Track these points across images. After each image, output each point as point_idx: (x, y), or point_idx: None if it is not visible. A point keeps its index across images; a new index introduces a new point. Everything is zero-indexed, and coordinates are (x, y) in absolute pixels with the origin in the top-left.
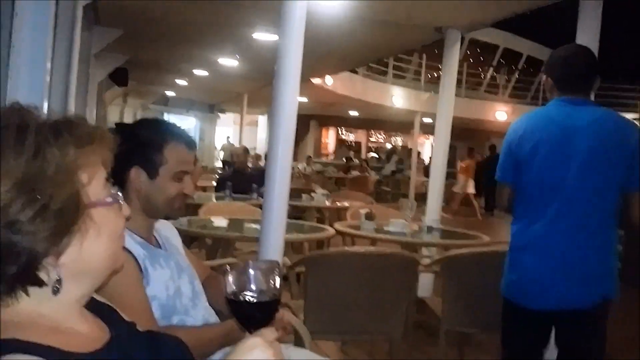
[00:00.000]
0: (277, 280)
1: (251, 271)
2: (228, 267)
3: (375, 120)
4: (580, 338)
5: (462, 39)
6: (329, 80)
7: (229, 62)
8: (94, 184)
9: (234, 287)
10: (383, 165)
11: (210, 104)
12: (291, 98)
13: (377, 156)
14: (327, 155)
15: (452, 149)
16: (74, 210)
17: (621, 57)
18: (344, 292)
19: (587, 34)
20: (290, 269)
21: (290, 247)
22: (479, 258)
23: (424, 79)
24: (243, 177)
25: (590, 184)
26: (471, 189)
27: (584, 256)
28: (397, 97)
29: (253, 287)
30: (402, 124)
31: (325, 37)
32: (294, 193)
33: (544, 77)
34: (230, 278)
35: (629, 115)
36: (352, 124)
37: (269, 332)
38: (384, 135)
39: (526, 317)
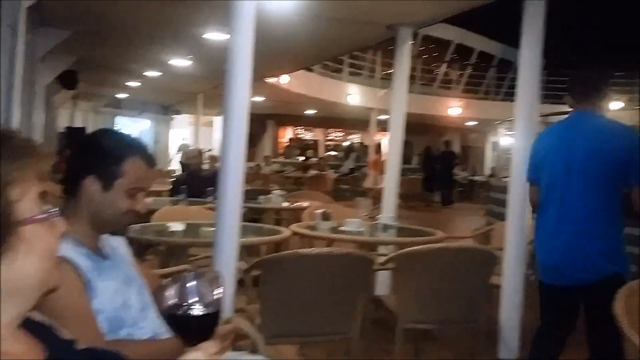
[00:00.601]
0: (219, 291)
1: (191, 283)
2: (165, 281)
3: (332, 118)
4: (603, 307)
5: (416, 35)
6: (284, 79)
7: (181, 62)
8: (26, 199)
9: (173, 300)
10: (341, 163)
11: (165, 106)
12: (243, 98)
13: (335, 154)
14: (283, 154)
15: (409, 144)
16: (2, 228)
17: (591, 48)
18: (300, 294)
19: (532, 29)
20: (245, 273)
21: (247, 250)
22: (431, 254)
23: (379, 76)
24: (198, 179)
25: (597, 179)
26: (382, 185)
27: (597, 238)
28: (353, 95)
29: (193, 299)
30: (360, 121)
31: (278, 35)
32: (251, 194)
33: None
34: (169, 291)
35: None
36: (309, 123)
37: (210, 346)
38: (342, 133)
39: (560, 293)
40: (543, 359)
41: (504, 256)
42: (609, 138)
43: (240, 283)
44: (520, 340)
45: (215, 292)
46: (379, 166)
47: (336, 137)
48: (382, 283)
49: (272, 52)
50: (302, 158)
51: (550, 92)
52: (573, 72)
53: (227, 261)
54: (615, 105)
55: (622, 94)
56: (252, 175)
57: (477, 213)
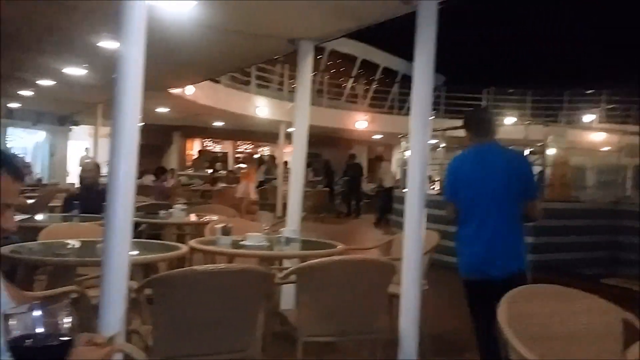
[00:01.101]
0: (68, 320)
1: (37, 313)
2: (6, 311)
3: (241, 130)
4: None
5: (323, 49)
6: (189, 90)
7: (76, 71)
8: None
9: (19, 331)
10: None
11: (62, 116)
12: (133, 108)
13: (244, 167)
14: (191, 167)
15: (318, 157)
16: None
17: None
18: (195, 313)
19: (424, 45)
20: (137, 292)
21: (144, 269)
22: (331, 267)
23: (288, 89)
24: (94, 194)
25: (502, 197)
26: (253, 195)
27: (505, 243)
28: (262, 107)
29: (39, 330)
30: (269, 134)
31: (179, 46)
32: (152, 209)
33: (464, 131)
34: (14, 321)
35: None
36: (218, 135)
37: None
38: (252, 145)
39: (479, 287)
40: (491, 354)
41: (402, 266)
42: (512, 163)
43: (133, 303)
44: (419, 347)
45: (63, 322)
46: (251, 176)
47: (246, 149)
48: (288, 297)
49: (175, 63)
50: (210, 171)
51: (450, 108)
52: (469, 113)
53: (117, 280)
54: (508, 121)
55: (515, 109)
56: (153, 189)
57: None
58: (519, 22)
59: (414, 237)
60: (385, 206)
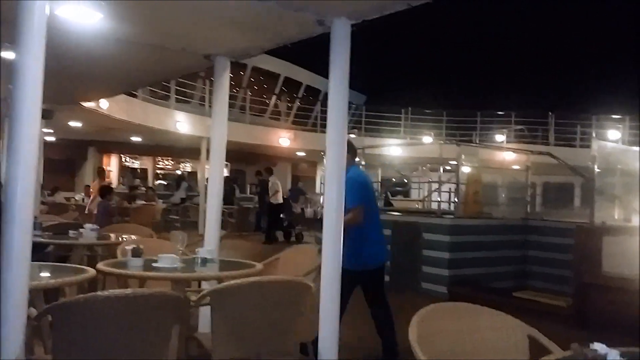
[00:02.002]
0: None
1: None
2: None
3: (161, 146)
4: (380, 281)
5: (245, 66)
6: (104, 104)
7: None
8: None
9: None
10: (172, 192)
11: None
12: (31, 122)
13: (165, 183)
14: (109, 183)
15: (241, 173)
16: None
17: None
18: (99, 341)
19: (339, 64)
20: (37, 320)
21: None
22: (245, 288)
23: (209, 105)
24: None
25: (376, 205)
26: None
27: (381, 241)
28: (182, 123)
29: None
30: (191, 150)
31: (90, 59)
32: (61, 229)
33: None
34: None
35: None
36: (136, 150)
37: None
38: (172, 162)
39: (357, 276)
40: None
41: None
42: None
43: (35, 332)
44: None
45: None
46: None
47: (166, 165)
48: (206, 320)
49: (86, 76)
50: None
51: (370, 126)
52: (349, 142)
53: (15, 307)
54: (426, 140)
55: (431, 129)
56: (66, 207)
57: (307, 240)
58: (437, 46)
59: (334, 252)
60: (273, 223)
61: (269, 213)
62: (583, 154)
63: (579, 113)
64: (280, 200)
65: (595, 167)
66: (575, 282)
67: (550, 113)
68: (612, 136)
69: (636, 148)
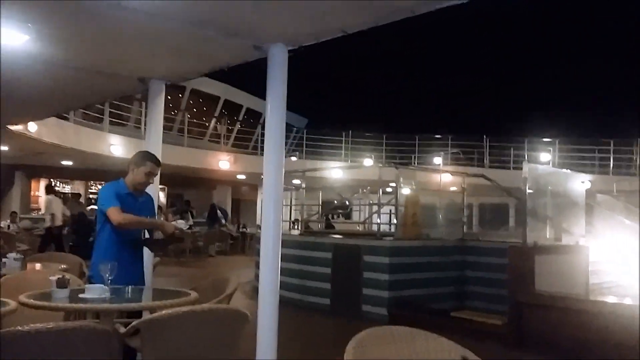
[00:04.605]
0: None
1: None
2: None
3: (95, 169)
4: None
5: (184, 88)
6: (32, 127)
7: None
8: None
9: None
10: None
11: None
12: None
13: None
14: (38, 209)
15: (180, 197)
16: None
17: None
18: None
19: (276, 88)
20: None
21: None
22: (177, 318)
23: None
24: None
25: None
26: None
27: None
28: (117, 146)
29: None
30: (126, 174)
31: (16, 81)
32: None
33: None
34: None
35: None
36: (68, 175)
37: None
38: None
39: None
40: None
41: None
42: None
43: None
44: None
45: None
46: None
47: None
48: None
49: (13, 99)
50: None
51: (311, 149)
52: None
53: None
54: (367, 162)
55: (372, 152)
56: None
57: (248, 265)
58: (377, 70)
59: (270, 276)
60: (45, 247)
61: (52, 236)
62: (516, 175)
63: (512, 136)
64: (60, 222)
65: (527, 188)
66: (510, 301)
67: (485, 136)
68: (543, 158)
69: (565, 170)
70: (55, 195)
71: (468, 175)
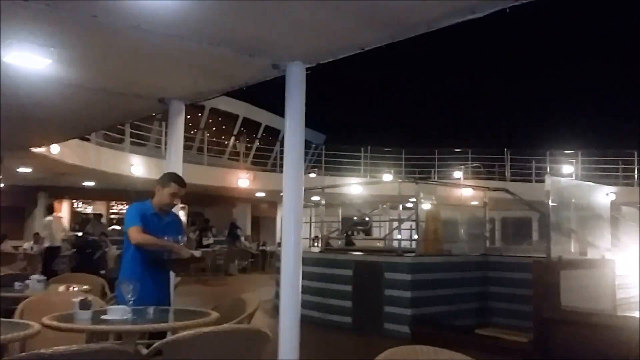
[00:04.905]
0: None
1: None
2: None
3: (116, 190)
4: None
5: (203, 107)
6: (54, 148)
7: None
8: None
9: None
10: None
11: None
12: None
13: (119, 228)
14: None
15: (200, 215)
16: None
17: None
18: None
19: (295, 106)
20: None
21: None
22: (199, 339)
23: (165, 147)
24: None
25: None
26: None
27: None
28: (137, 166)
29: None
30: (147, 193)
31: (39, 105)
32: (6, 280)
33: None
34: None
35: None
36: (89, 195)
37: None
38: (127, 206)
39: None
40: None
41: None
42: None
43: None
44: None
45: None
46: None
47: (121, 210)
48: None
49: (36, 122)
50: (80, 234)
51: (330, 165)
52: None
53: None
54: (386, 178)
55: (391, 167)
56: (13, 257)
57: (269, 283)
58: (395, 85)
59: (291, 293)
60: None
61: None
62: (538, 189)
63: (534, 149)
64: (59, 243)
65: (550, 201)
66: (535, 318)
67: (505, 149)
68: (565, 171)
69: (588, 182)
70: (56, 216)
71: (489, 189)
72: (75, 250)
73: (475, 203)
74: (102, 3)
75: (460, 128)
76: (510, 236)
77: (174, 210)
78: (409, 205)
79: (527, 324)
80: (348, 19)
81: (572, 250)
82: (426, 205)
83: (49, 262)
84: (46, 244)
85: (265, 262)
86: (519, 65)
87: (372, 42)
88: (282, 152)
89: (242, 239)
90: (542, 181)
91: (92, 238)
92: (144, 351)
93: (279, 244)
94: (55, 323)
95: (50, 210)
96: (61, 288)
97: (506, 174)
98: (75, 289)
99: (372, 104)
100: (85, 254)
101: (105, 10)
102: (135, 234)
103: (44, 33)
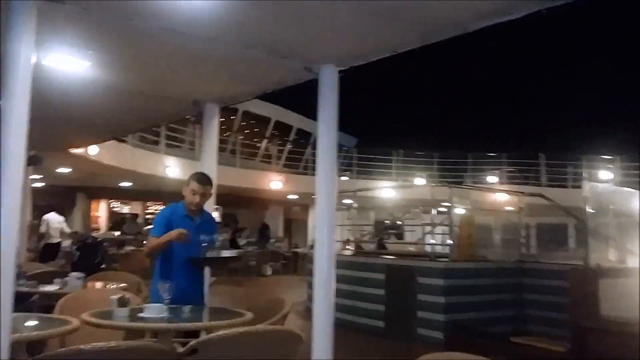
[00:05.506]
0: None
1: None
2: None
3: (151, 190)
4: None
5: (236, 110)
6: (92, 150)
7: None
8: None
9: None
10: None
11: None
12: (14, 168)
13: None
14: (98, 229)
15: (232, 217)
16: None
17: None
18: None
19: (327, 109)
20: None
21: (30, 347)
22: (234, 339)
23: (199, 149)
24: None
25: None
26: None
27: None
28: (172, 167)
29: None
30: (181, 195)
31: (78, 107)
32: (46, 277)
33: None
34: None
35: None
36: (126, 195)
37: None
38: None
39: None
40: None
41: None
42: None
43: None
44: None
45: None
46: None
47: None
48: None
49: (74, 123)
50: (117, 233)
51: (362, 169)
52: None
53: None
54: (419, 181)
55: (423, 171)
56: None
57: (300, 285)
58: (427, 88)
59: (324, 296)
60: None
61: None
62: (575, 194)
63: (570, 154)
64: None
65: (588, 208)
66: (572, 326)
67: (540, 154)
68: (603, 177)
69: (627, 189)
70: (55, 214)
71: (525, 195)
72: (76, 248)
73: (509, 208)
74: (138, 6)
75: (494, 132)
76: (545, 242)
77: (207, 210)
78: (441, 209)
79: (563, 332)
80: (381, 21)
81: (611, 258)
82: (460, 210)
83: (47, 259)
84: (46, 241)
85: (296, 264)
86: (557, 67)
87: (405, 45)
88: (313, 155)
89: (272, 240)
90: (579, 187)
91: (98, 241)
92: (180, 349)
93: (311, 247)
94: (94, 319)
95: (51, 208)
96: (98, 285)
97: (541, 179)
98: (113, 286)
99: (403, 107)
100: (87, 256)
101: (141, 14)
102: (146, 247)
103: (83, 36)
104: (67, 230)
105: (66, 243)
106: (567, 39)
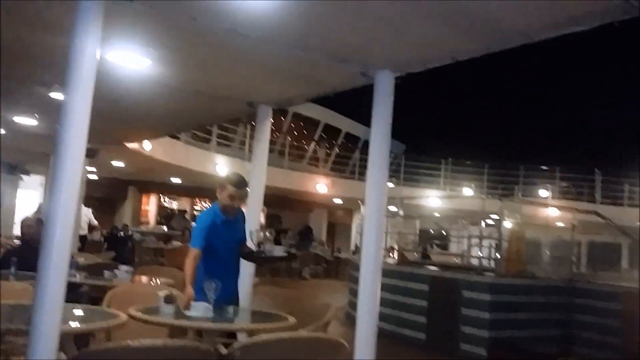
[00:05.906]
0: None
1: None
2: None
3: (200, 187)
4: None
5: (286, 112)
6: (147, 145)
7: (26, 120)
8: None
9: None
10: None
11: (12, 165)
12: (74, 160)
13: None
14: (147, 223)
15: (277, 218)
16: None
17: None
18: None
19: (382, 115)
20: None
21: (78, 339)
22: (277, 344)
23: (249, 149)
24: (34, 251)
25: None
26: None
27: None
28: (221, 166)
29: None
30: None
31: (136, 103)
32: (95, 269)
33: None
34: None
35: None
36: (175, 191)
37: None
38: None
39: None
40: None
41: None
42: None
43: None
44: None
45: None
46: None
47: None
48: None
49: (132, 119)
50: (165, 227)
51: (409, 176)
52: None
53: (45, 351)
54: (467, 192)
55: (472, 181)
56: (101, 245)
57: (341, 290)
58: (480, 96)
59: (370, 303)
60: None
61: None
62: (631, 213)
63: (627, 171)
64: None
65: None
66: (624, 350)
67: (596, 169)
68: None
69: None
70: (83, 206)
71: (579, 212)
72: (104, 239)
73: (560, 224)
74: (203, 6)
75: (548, 144)
76: (597, 261)
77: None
78: (490, 222)
79: (611, 356)
80: (442, 27)
81: None
82: (509, 224)
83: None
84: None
85: (338, 268)
86: (611, 80)
87: (466, 53)
88: (361, 159)
89: (314, 243)
90: (636, 206)
91: (127, 235)
92: (224, 350)
93: (354, 252)
94: (141, 315)
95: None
96: (144, 279)
97: (596, 195)
98: (159, 281)
99: (454, 115)
100: (118, 250)
101: (203, 13)
102: (188, 259)
103: (146, 34)
104: (95, 222)
105: (96, 235)
106: (629, 53)
